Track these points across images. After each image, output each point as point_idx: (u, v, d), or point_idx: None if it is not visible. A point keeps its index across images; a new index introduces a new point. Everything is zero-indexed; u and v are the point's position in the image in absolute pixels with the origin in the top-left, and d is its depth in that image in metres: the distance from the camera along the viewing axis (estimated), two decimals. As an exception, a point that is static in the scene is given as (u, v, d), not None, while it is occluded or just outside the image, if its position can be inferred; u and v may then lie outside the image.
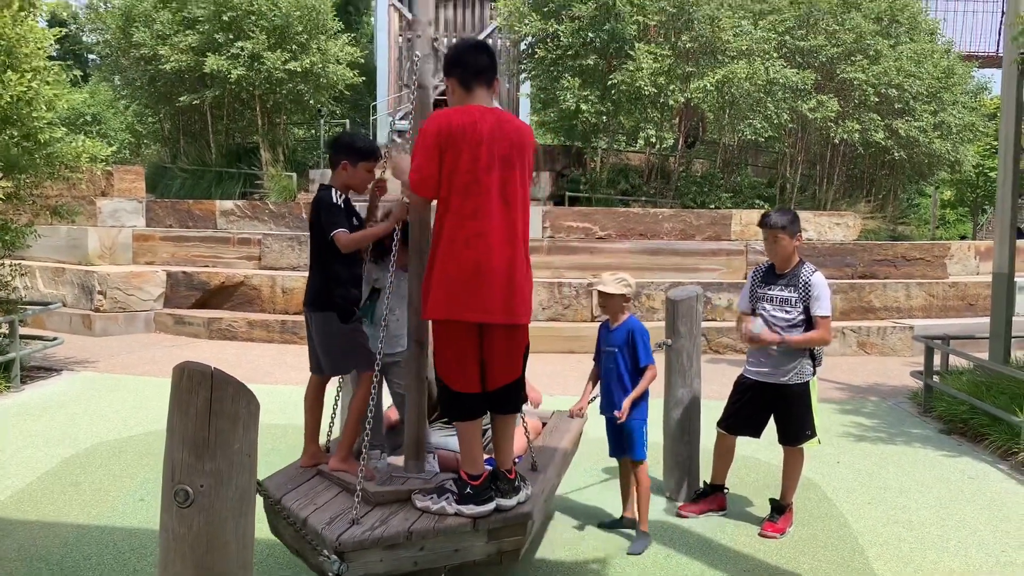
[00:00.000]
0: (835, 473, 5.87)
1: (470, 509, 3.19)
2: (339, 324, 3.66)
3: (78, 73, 9.35)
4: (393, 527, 3.11)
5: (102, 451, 6.01)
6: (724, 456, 5.01)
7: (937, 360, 7.98)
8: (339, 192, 3.79)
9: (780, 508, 4.76)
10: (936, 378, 7.82)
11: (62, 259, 12.28)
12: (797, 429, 4.70)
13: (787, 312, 4.62)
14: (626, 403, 4.40)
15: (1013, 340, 8.08)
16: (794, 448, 4.74)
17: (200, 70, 14.33)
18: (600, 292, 4.49)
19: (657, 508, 4.98)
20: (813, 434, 4.70)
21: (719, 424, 4.98)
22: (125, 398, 7.59)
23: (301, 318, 11.09)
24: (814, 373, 4.70)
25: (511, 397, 3.41)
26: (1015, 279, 8.27)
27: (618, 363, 4.48)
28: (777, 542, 4.57)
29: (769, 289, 4.71)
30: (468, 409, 3.32)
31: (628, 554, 4.31)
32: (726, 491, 5.04)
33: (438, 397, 3.50)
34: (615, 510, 4.85)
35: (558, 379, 8.60)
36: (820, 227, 12.93)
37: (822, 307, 4.56)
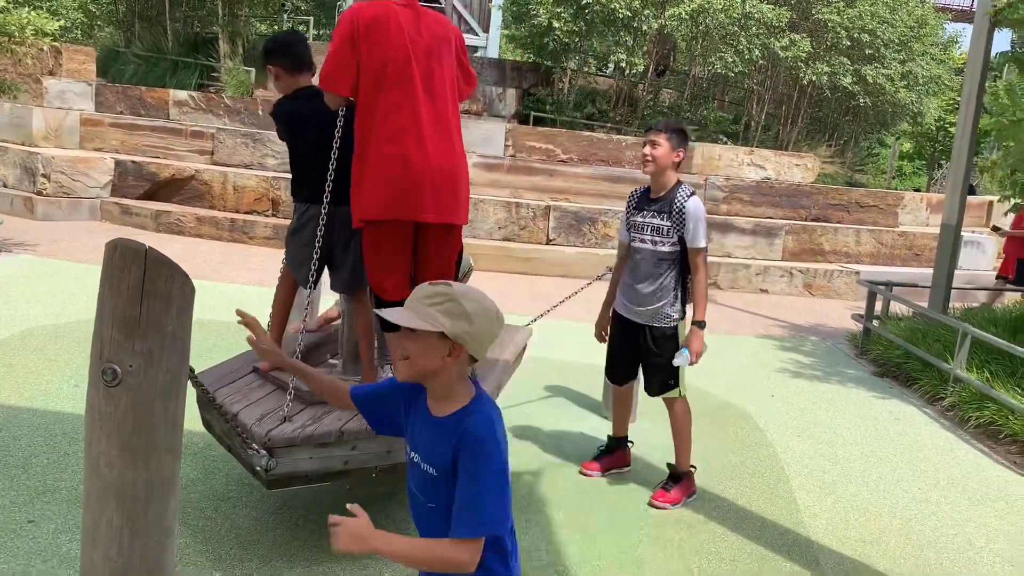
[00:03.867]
0: (769, 406, 6.02)
1: None
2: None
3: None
4: (325, 426, 3.10)
5: (38, 335, 5.88)
6: (620, 405, 4.48)
7: (879, 306, 8.16)
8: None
9: (676, 476, 4.21)
10: (876, 323, 8.01)
11: (4, 138, 11.80)
12: (661, 377, 4.12)
13: (659, 244, 4.00)
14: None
15: (953, 291, 8.29)
16: (669, 400, 4.16)
17: (159, -50, 13.67)
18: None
19: (592, 425, 5.07)
20: (676, 384, 4.12)
21: (606, 372, 4.44)
22: (65, 284, 7.42)
23: (251, 217, 10.91)
24: (683, 315, 4.13)
25: None
26: (962, 233, 8.45)
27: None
28: (704, 466, 4.64)
29: (642, 216, 4.04)
30: None
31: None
32: (630, 444, 4.54)
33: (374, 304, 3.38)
34: (557, 427, 4.91)
35: (507, 298, 8.61)
36: (780, 166, 12.99)
37: (698, 238, 3.95)
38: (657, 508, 4.09)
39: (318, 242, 3.33)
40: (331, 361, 4.01)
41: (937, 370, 6.61)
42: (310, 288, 3.46)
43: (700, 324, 4.01)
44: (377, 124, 3.06)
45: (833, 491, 4.56)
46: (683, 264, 4.05)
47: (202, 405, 3.44)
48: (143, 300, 1.93)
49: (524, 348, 4.82)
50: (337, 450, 3.09)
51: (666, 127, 4.02)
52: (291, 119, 3.53)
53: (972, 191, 14.34)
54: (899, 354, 7.23)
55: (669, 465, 4.29)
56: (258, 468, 2.94)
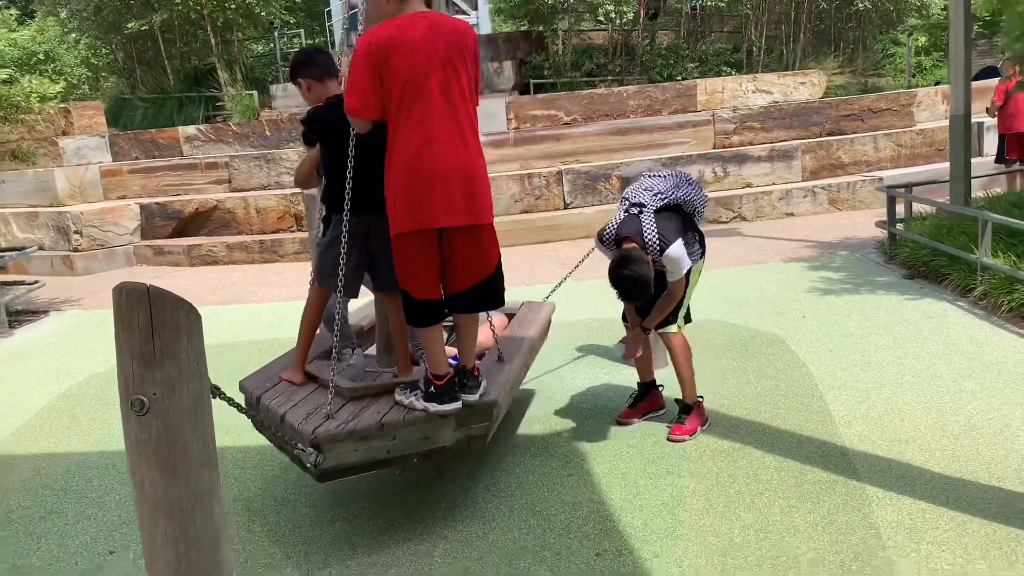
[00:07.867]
0: (801, 327, 6.09)
1: (433, 407, 3.33)
2: None
3: (13, 12, 9.12)
4: (365, 420, 3.30)
5: (96, 383, 6.20)
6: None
7: (901, 209, 8.12)
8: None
9: (686, 408, 4.40)
10: (900, 226, 7.99)
11: (34, 203, 12.24)
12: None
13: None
14: None
15: (979, 180, 8.21)
16: (667, 336, 4.36)
17: (144, -7, 13.96)
18: None
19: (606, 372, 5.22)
20: (674, 320, 4.33)
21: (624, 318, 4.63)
22: (112, 332, 7.74)
23: (278, 236, 11.19)
24: (702, 257, 4.40)
25: (472, 298, 3.45)
26: (976, 120, 8.34)
27: None
28: (738, 395, 4.78)
29: None
30: (427, 315, 3.39)
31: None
32: (660, 387, 4.69)
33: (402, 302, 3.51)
34: (591, 384, 5.05)
35: (531, 269, 8.75)
36: (784, 88, 12.86)
37: (674, 275, 4.15)
38: (676, 442, 4.25)
39: (343, 251, 3.44)
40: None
41: (964, 262, 6.60)
42: (341, 295, 3.62)
43: (645, 330, 4.32)
44: (402, 139, 3.20)
45: (867, 398, 4.65)
46: (689, 220, 4.28)
47: (250, 407, 3.66)
48: (154, 334, 2.13)
49: (549, 324, 4.96)
50: (379, 441, 3.29)
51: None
52: (324, 127, 3.63)
53: (996, 72, 13.93)
54: (926, 253, 7.22)
55: (678, 400, 4.46)
56: (308, 464, 3.17)
